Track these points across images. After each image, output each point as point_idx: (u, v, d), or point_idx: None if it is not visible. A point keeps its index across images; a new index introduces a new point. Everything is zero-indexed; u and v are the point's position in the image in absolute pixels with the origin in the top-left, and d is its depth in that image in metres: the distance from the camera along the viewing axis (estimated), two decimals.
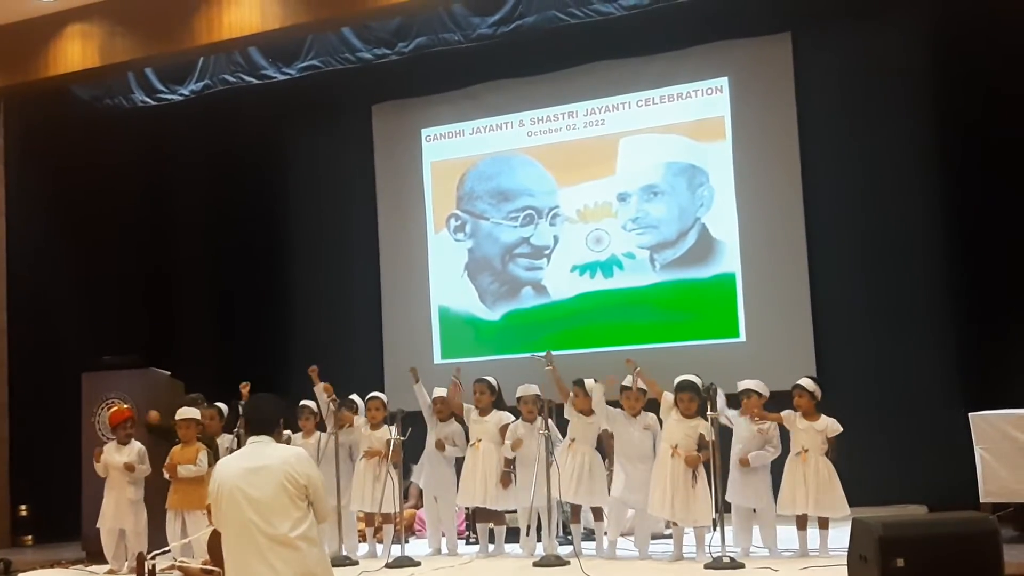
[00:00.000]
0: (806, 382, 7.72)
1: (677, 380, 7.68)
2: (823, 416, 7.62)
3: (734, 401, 7.89)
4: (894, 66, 9.71)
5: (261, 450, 5.00)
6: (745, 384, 7.87)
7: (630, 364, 7.86)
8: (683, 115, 10.60)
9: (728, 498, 7.71)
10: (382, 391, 9.03)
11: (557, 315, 10.93)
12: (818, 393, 7.67)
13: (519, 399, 8.22)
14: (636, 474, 7.78)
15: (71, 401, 9.91)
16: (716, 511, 7.28)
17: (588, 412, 7.95)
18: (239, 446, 8.43)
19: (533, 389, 8.18)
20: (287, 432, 8.76)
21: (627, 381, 7.85)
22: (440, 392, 8.59)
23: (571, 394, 7.96)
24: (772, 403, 7.82)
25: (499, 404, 8.48)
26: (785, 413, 7.70)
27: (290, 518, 4.81)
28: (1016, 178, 9.01)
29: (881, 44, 9.79)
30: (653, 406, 7.86)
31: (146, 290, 11.90)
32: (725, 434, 7.76)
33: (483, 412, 8.43)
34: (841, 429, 7.56)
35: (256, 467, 4.88)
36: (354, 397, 8.83)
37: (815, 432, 7.57)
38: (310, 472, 4.95)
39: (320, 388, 8.65)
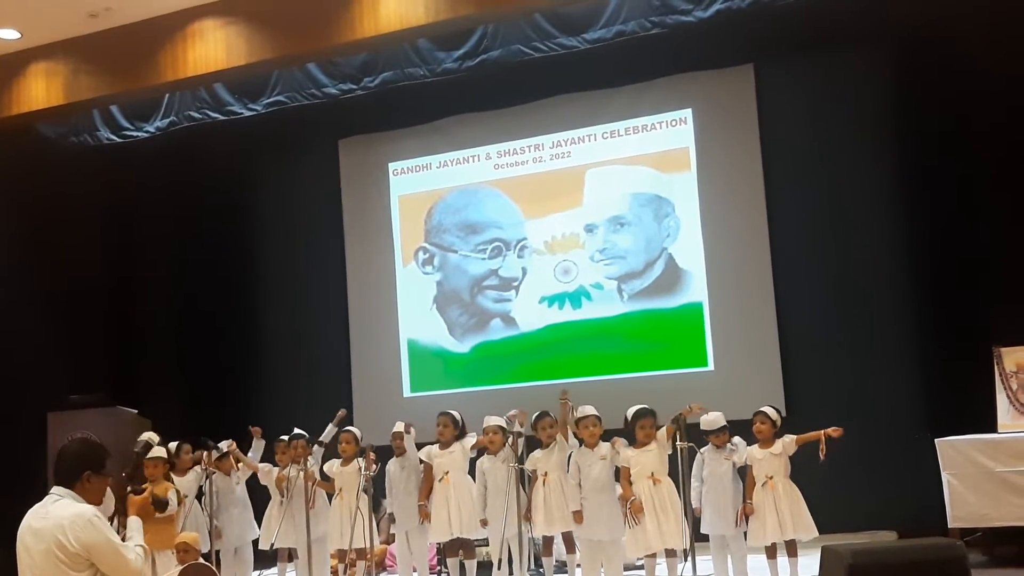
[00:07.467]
0: (768, 409, 7.76)
1: (633, 410, 7.66)
2: (777, 440, 7.64)
3: (697, 435, 7.82)
4: (856, 96, 9.81)
5: (48, 507, 4.52)
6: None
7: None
8: (648, 147, 10.67)
9: (704, 529, 7.71)
10: (351, 425, 8.98)
11: (526, 346, 10.94)
12: (778, 421, 7.72)
13: (484, 430, 8.19)
14: (597, 506, 7.68)
15: (37, 440, 9.79)
16: (687, 540, 7.28)
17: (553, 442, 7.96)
18: (207, 482, 8.44)
19: (495, 420, 8.16)
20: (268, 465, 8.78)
21: (581, 412, 7.80)
22: (400, 428, 8.55)
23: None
24: (739, 431, 7.82)
25: (461, 437, 8.43)
26: (748, 452, 7.72)
27: None
28: (977, 206, 9.12)
29: (843, 74, 9.89)
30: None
31: (112, 327, 11.80)
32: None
33: (445, 445, 8.38)
34: (795, 437, 7.55)
35: (37, 527, 4.45)
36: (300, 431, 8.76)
37: (772, 457, 7.59)
38: (86, 538, 4.39)
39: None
